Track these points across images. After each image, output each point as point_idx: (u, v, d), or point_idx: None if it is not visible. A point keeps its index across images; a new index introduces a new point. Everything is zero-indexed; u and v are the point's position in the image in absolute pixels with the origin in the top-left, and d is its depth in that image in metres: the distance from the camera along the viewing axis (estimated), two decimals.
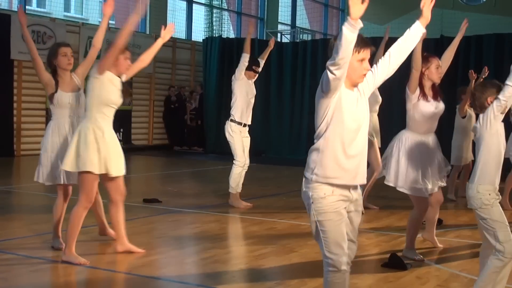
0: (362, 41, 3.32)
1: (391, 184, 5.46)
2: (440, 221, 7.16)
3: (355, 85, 3.40)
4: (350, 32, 3.05)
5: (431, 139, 5.44)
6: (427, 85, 5.41)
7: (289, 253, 5.68)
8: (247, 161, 8.18)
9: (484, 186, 4.03)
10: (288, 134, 16.10)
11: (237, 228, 7.23)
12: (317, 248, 5.77)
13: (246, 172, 8.18)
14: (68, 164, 5.04)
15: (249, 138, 8.24)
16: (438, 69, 5.42)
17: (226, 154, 15.77)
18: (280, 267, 5.29)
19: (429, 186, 5.37)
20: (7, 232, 6.30)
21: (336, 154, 3.34)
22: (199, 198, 8.85)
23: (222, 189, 9.45)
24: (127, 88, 5.33)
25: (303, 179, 3.44)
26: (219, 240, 6.18)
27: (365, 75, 3.39)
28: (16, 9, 14.57)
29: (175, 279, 4.91)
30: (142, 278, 4.81)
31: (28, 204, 8.25)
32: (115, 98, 5.17)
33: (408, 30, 3.57)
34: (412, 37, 3.56)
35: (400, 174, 5.37)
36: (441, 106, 5.47)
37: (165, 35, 5.63)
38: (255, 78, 8.25)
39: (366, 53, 3.34)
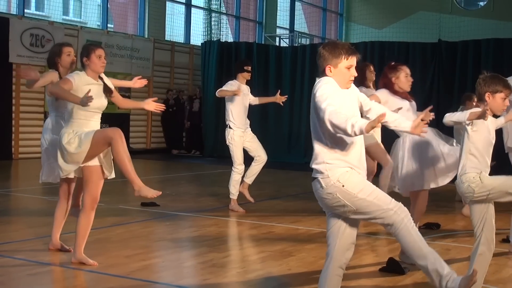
0: (350, 49, 3.54)
1: (400, 191, 5.47)
2: (438, 226, 7.18)
3: (343, 87, 3.61)
4: (351, 134, 3.29)
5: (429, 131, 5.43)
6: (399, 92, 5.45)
7: (287, 257, 5.67)
8: (264, 157, 8.22)
9: (466, 174, 4.10)
10: (286, 138, 16.11)
11: (235, 232, 7.23)
12: (315, 252, 5.80)
13: (262, 167, 8.25)
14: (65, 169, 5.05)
15: (254, 137, 8.24)
16: (407, 77, 5.46)
17: (224, 158, 15.80)
18: (278, 272, 5.28)
19: (432, 179, 5.33)
20: (4, 235, 6.29)
21: (342, 153, 3.53)
22: (197, 202, 8.85)
23: (220, 193, 9.45)
24: (108, 87, 5.25)
25: (318, 182, 3.55)
26: (217, 244, 6.18)
27: (352, 81, 3.59)
28: (14, 12, 14.59)
29: (173, 283, 4.90)
30: (139, 282, 4.80)
31: (25, 207, 8.24)
32: (94, 103, 5.00)
33: (398, 123, 3.72)
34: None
35: (404, 176, 5.36)
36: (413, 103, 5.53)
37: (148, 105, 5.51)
38: (249, 77, 8.24)
39: (352, 60, 3.55)
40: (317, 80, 3.58)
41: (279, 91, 8.57)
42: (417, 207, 5.54)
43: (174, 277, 5.08)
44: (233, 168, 8.13)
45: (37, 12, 18.56)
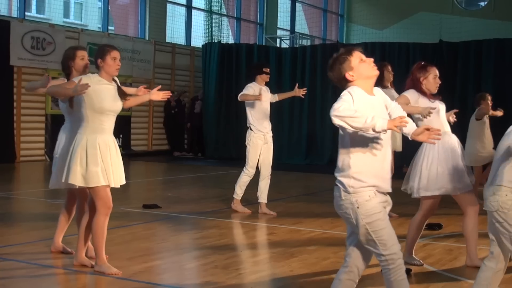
0: (347, 49, 3.60)
1: (415, 194, 5.38)
2: (439, 226, 7.17)
3: (373, 83, 3.60)
4: (367, 131, 3.31)
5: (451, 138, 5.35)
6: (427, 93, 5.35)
7: (289, 258, 5.66)
8: (267, 173, 8.05)
9: (501, 187, 3.99)
10: (287, 139, 16.11)
11: (236, 234, 7.22)
12: (317, 253, 5.80)
13: (269, 181, 8.12)
14: (77, 179, 4.88)
15: (270, 149, 8.09)
16: (435, 78, 5.38)
17: (225, 160, 15.84)
18: (280, 273, 5.28)
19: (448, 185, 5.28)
20: (6, 238, 6.29)
21: (370, 163, 3.48)
22: (198, 204, 8.84)
23: (222, 195, 9.46)
24: (122, 91, 5.17)
25: (338, 191, 3.50)
26: (219, 246, 6.17)
27: (375, 66, 3.59)
28: (15, 15, 14.60)
29: (175, 285, 4.90)
30: (141, 284, 4.79)
31: (27, 210, 8.24)
32: (110, 105, 4.97)
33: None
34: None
35: (424, 178, 5.27)
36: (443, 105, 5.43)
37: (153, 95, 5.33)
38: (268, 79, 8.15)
39: (357, 54, 3.57)
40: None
41: (297, 84, 8.49)
42: (423, 212, 5.46)
43: (176, 279, 5.07)
44: (244, 169, 8.06)
45: (38, 15, 18.57)
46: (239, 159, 15.55)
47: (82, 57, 5.42)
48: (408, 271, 5.13)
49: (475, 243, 5.37)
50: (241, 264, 5.59)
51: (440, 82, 5.43)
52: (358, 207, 3.45)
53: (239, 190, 8.10)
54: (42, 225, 6.84)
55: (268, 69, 8.17)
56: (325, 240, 6.52)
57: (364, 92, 3.51)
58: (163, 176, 13.41)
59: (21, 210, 8.30)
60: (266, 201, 8.05)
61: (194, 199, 9.33)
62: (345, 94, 3.45)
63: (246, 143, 8.05)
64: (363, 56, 3.58)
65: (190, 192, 10.20)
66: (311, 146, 15.77)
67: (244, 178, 8.07)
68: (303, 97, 8.44)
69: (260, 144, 8.01)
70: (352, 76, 3.54)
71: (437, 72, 5.41)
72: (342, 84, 3.59)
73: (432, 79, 5.36)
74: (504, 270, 4.08)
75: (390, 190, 3.60)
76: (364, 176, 3.46)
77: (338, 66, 3.56)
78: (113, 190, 5.05)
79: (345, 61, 3.55)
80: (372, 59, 3.59)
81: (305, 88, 8.41)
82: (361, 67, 3.54)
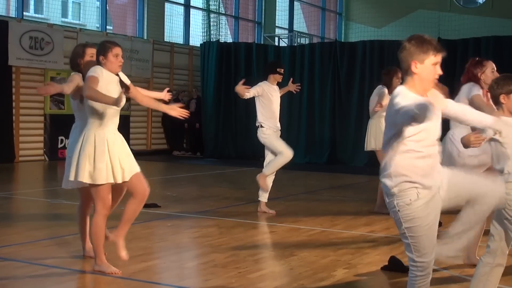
0: (438, 45, 3.39)
1: None
2: (439, 223, 7.16)
3: (425, 91, 3.43)
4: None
5: None
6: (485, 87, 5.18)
7: (289, 256, 5.67)
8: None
9: (508, 184, 3.95)
10: (286, 138, 16.01)
11: (236, 233, 7.21)
12: (316, 251, 5.81)
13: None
14: (85, 177, 4.83)
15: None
16: (494, 72, 5.29)
17: (224, 159, 15.84)
18: (279, 271, 5.28)
19: None
20: (6, 238, 6.29)
21: (413, 161, 3.36)
22: (198, 203, 8.85)
23: (221, 194, 9.46)
24: (124, 83, 5.11)
25: (384, 187, 3.45)
26: (218, 245, 6.17)
27: (437, 79, 3.41)
28: (13, 15, 14.59)
29: (175, 284, 4.91)
30: (141, 283, 4.80)
31: (27, 210, 8.24)
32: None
33: (480, 120, 3.75)
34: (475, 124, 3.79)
35: None
36: None
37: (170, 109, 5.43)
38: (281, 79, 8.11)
39: (439, 57, 3.39)
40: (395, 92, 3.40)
41: (292, 79, 8.53)
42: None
43: (176, 278, 5.08)
44: (278, 155, 7.89)
45: (36, 15, 18.58)
46: (238, 158, 15.60)
47: (91, 55, 5.29)
48: (407, 268, 5.10)
49: (477, 243, 5.37)
50: (241, 262, 5.58)
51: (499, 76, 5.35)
52: (399, 210, 3.39)
53: (272, 169, 7.89)
54: (42, 225, 6.85)
55: (282, 70, 8.13)
56: (325, 239, 6.53)
57: (410, 92, 3.35)
58: (162, 175, 13.40)
59: (21, 210, 8.30)
60: (266, 200, 8.05)
61: (193, 198, 9.33)
62: (398, 98, 3.28)
63: (262, 140, 7.91)
64: (439, 65, 3.38)
65: (189, 191, 10.20)
66: (310, 145, 15.75)
67: (282, 159, 7.89)
68: (295, 92, 8.55)
69: (275, 134, 7.95)
70: (416, 69, 3.34)
71: (494, 65, 5.30)
72: (402, 64, 3.40)
73: (490, 73, 5.26)
74: (503, 266, 4.07)
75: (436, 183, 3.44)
76: (406, 171, 3.33)
77: (416, 50, 3.33)
78: (114, 190, 5.04)
79: (426, 52, 3.33)
80: (440, 73, 3.39)
81: (299, 84, 8.43)
82: (427, 70, 3.35)
